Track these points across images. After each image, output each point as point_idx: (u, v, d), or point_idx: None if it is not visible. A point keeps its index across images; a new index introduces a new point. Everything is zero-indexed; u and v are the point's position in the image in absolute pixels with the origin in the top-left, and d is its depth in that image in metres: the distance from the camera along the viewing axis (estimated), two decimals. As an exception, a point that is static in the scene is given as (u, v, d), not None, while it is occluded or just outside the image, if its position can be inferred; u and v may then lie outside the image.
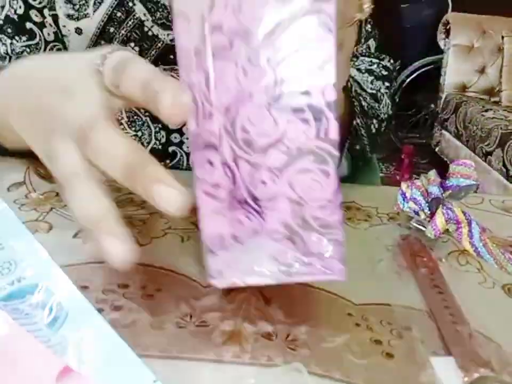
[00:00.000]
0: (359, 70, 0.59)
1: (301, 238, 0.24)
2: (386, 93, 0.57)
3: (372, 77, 0.57)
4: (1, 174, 0.42)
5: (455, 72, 2.39)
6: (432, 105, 2.62)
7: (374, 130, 0.53)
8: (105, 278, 0.29)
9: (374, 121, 0.53)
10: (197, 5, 0.22)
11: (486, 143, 2.00)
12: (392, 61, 0.63)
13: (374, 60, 0.61)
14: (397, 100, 0.67)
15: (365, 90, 0.55)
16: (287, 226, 0.24)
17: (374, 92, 0.56)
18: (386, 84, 0.59)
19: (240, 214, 0.24)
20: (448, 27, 2.38)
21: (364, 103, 0.53)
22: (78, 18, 0.49)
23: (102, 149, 0.25)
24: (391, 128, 0.58)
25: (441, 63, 2.44)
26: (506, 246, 0.40)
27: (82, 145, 0.25)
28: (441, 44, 2.45)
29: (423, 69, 2.65)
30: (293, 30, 0.22)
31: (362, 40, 0.62)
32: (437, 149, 2.51)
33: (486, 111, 2.13)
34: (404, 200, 0.41)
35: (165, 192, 0.23)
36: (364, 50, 0.62)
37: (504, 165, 1.85)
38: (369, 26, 0.63)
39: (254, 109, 0.23)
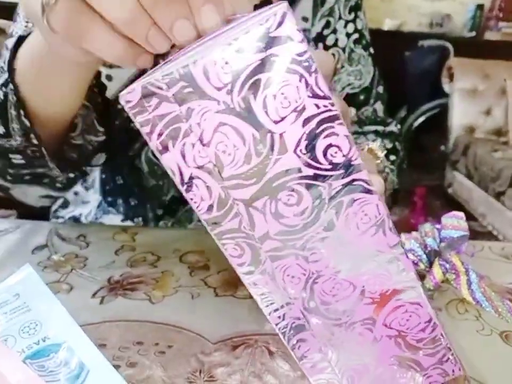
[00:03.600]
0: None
1: (412, 360, 0.26)
2: (391, 169, 0.56)
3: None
4: (26, 237, 0.45)
5: (461, 114, 2.44)
6: (442, 147, 2.65)
7: None
8: (121, 335, 0.32)
9: None
10: None
11: (497, 183, 2.00)
12: (399, 126, 0.63)
13: (379, 128, 0.61)
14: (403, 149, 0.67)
15: None
16: (398, 359, 0.25)
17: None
18: (392, 157, 0.58)
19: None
20: (451, 72, 2.45)
21: None
22: None
23: None
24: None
25: (448, 106, 2.49)
26: (505, 292, 0.41)
27: None
28: (445, 87, 2.51)
29: (430, 112, 2.70)
30: None
31: (371, 101, 0.62)
32: (449, 190, 2.52)
33: (495, 151, 2.15)
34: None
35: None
36: (370, 114, 0.62)
37: (517, 205, 1.84)
38: (380, 88, 0.63)
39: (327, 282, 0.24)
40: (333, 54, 0.59)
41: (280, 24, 0.19)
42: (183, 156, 0.21)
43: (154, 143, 0.20)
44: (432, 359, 0.25)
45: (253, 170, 0.21)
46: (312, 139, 0.20)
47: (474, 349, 0.33)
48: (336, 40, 0.60)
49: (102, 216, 0.61)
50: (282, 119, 0.20)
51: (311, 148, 0.21)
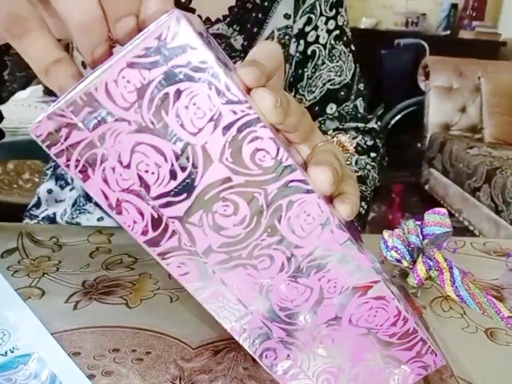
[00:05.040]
0: None
1: (389, 356, 0.25)
2: (373, 166, 0.56)
3: (355, 155, 0.56)
4: (-6, 241, 0.43)
5: (437, 112, 2.47)
6: (419, 144, 2.69)
7: (363, 212, 0.53)
8: (96, 342, 0.30)
9: (362, 203, 0.52)
10: None
11: (473, 179, 2.04)
12: (379, 123, 0.62)
13: (360, 125, 0.61)
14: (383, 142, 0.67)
15: None
16: (373, 356, 0.25)
17: (359, 174, 0.54)
18: (372, 154, 0.58)
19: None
20: (427, 70, 2.48)
21: None
22: None
23: None
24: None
25: (424, 104, 2.53)
26: (489, 289, 0.41)
27: None
28: (421, 85, 2.54)
29: (407, 110, 2.74)
30: None
31: (352, 98, 0.61)
32: (426, 187, 2.56)
33: (471, 148, 2.19)
34: (386, 248, 0.42)
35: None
36: (351, 110, 0.62)
37: (492, 200, 1.88)
38: (361, 85, 0.63)
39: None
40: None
41: (175, 34, 0.18)
42: (106, 181, 0.20)
43: (73, 172, 0.20)
44: (410, 353, 0.25)
45: (181, 186, 0.20)
46: (236, 146, 0.20)
47: (459, 347, 0.33)
48: (317, 36, 0.59)
49: (78, 216, 0.59)
50: (200, 130, 0.19)
51: (237, 155, 0.20)
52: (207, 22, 0.55)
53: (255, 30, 0.57)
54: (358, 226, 0.51)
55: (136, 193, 0.20)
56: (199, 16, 0.54)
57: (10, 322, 0.29)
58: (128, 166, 0.20)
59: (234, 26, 0.56)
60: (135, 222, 0.21)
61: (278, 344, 0.24)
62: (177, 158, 0.20)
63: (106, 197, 0.20)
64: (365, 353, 0.24)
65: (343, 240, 0.22)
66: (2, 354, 0.26)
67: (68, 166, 0.20)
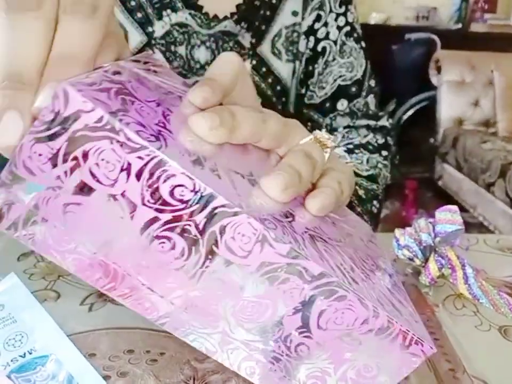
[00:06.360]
0: (350, 151, 0.57)
1: (373, 353, 0.25)
2: (384, 165, 0.56)
3: (367, 154, 0.56)
4: (10, 245, 0.44)
5: (450, 106, 2.45)
6: (432, 140, 2.66)
7: (375, 211, 0.53)
8: (111, 344, 0.31)
9: (374, 202, 0.53)
10: None
11: (487, 174, 2.02)
12: (390, 120, 0.62)
13: (371, 123, 0.61)
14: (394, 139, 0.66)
15: (360, 175, 0.54)
16: (355, 355, 0.25)
17: (370, 172, 0.54)
18: (384, 152, 0.58)
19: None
20: (438, 64, 2.46)
21: (360, 191, 0.51)
22: None
23: None
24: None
25: (436, 99, 2.50)
26: (502, 286, 0.41)
27: None
28: (433, 80, 2.52)
29: (419, 105, 2.71)
30: None
31: (364, 94, 0.61)
32: (440, 183, 2.53)
33: (484, 142, 2.16)
34: (398, 247, 0.42)
35: None
36: (362, 106, 0.61)
37: (507, 195, 1.86)
38: (372, 81, 0.62)
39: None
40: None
41: (66, 103, 0.20)
42: (50, 245, 0.22)
43: (24, 242, 0.22)
44: (393, 346, 0.24)
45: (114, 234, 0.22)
46: (153, 187, 0.21)
47: (473, 345, 0.33)
48: (328, 33, 0.59)
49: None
50: (115, 180, 0.21)
51: (157, 195, 0.21)
52: (215, 19, 0.55)
53: (262, 27, 0.57)
54: (371, 225, 0.51)
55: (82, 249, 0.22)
56: (206, 14, 0.54)
57: (28, 325, 0.29)
58: (65, 226, 0.22)
59: (242, 24, 0.56)
60: (86, 271, 0.23)
61: (258, 357, 0.25)
62: (108, 208, 0.21)
63: (55, 257, 0.22)
64: (346, 354, 0.24)
65: (285, 251, 0.22)
66: (21, 356, 0.27)
67: (17, 237, 0.22)
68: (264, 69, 0.59)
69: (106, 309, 0.35)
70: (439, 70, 2.45)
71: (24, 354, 0.27)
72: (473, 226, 2.05)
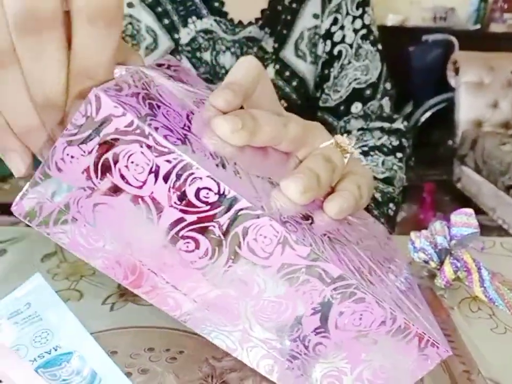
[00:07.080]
0: (365, 153, 0.57)
1: (389, 354, 0.25)
2: (400, 167, 0.56)
3: (382, 156, 0.56)
4: (34, 246, 0.46)
5: (468, 108, 2.42)
6: (450, 142, 2.63)
7: (392, 214, 0.53)
8: (132, 342, 0.32)
9: (390, 204, 0.53)
10: None
11: (507, 177, 1.99)
12: (405, 123, 0.62)
13: (385, 125, 0.61)
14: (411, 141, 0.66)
15: (376, 178, 0.54)
16: (371, 355, 0.25)
17: (386, 175, 0.54)
18: (399, 154, 0.58)
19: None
20: (456, 65, 2.43)
21: (376, 194, 0.52)
22: None
23: None
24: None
25: (454, 100, 2.48)
26: (519, 289, 0.40)
27: None
28: (451, 82, 2.49)
29: (437, 107, 2.68)
30: None
31: (378, 96, 0.61)
32: (458, 185, 2.50)
33: (504, 144, 2.13)
34: (414, 249, 0.42)
35: None
36: (376, 109, 0.62)
37: (527, 198, 1.83)
38: (388, 84, 0.62)
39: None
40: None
41: (98, 108, 0.20)
42: (79, 242, 0.23)
43: (54, 239, 0.23)
44: (409, 348, 0.25)
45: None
46: (180, 190, 0.22)
47: (488, 348, 0.33)
48: (344, 36, 0.60)
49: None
50: (144, 182, 0.22)
51: (183, 197, 0.22)
52: (239, 25, 0.56)
53: (284, 31, 0.58)
54: (388, 228, 0.52)
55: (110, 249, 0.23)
56: (231, 20, 0.56)
57: (53, 323, 0.31)
58: (94, 225, 0.23)
59: (266, 29, 0.57)
60: (113, 269, 0.24)
61: (277, 356, 0.25)
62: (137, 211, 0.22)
63: (84, 255, 0.23)
64: (362, 354, 0.25)
65: (305, 253, 0.23)
66: (47, 352, 0.28)
67: (48, 234, 0.23)
68: (287, 73, 0.59)
69: (127, 308, 0.36)
70: (457, 71, 2.43)
71: (50, 350, 0.29)
72: (492, 229, 2.02)
